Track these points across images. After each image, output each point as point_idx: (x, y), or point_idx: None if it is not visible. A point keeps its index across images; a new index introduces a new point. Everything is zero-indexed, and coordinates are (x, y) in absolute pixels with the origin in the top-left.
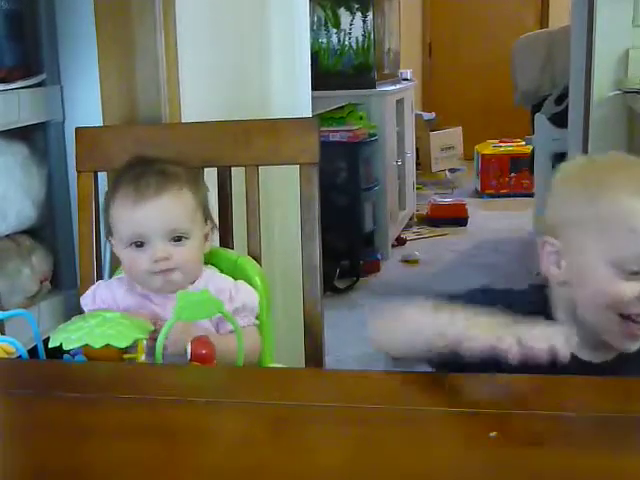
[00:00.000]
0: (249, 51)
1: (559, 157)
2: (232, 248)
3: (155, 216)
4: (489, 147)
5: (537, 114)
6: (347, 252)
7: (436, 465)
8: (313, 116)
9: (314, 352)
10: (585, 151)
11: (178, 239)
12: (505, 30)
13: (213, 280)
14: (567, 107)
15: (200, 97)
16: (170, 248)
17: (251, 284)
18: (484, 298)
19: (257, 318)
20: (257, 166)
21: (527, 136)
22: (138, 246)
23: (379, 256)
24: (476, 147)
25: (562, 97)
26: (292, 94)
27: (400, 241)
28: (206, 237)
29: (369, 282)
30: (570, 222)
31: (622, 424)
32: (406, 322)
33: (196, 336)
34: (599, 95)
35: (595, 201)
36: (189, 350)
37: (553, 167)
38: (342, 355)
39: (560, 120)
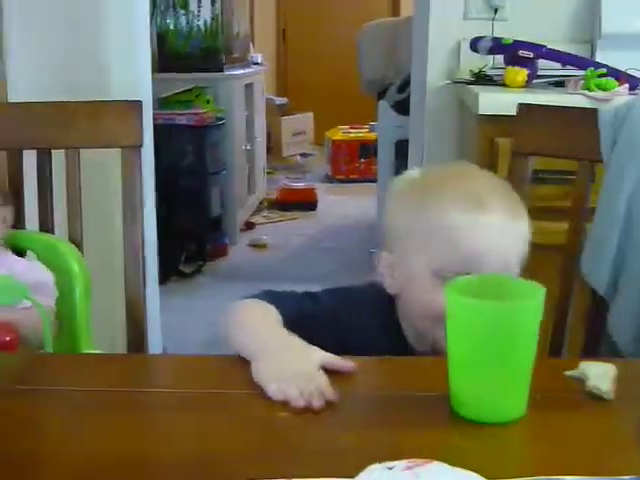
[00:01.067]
0: (84, 31)
1: (402, 144)
2: (53, 233)
3: None
4: (339, 133)
5: (381, 101)
6: (193, 236)
7: (235, 444)
8: (160, 98)
9: (136, 339)
10: (422, 139)
11: None
12: (358, 18)
13: (5, 262)
14: (409, 95)
15: (30, 78)
16: None
17: (69, 269)
18: (335, 296)
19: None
20: (78, 149)
21: (372, 123)
22: None
23: (227, 240)
24: (327, 133)
25: (404, 85)
26: (132, 76)
27: (249, 225)
28: (3, 220)
29: (216, 266)
30: (399, 233)
31: (403, 402)
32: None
33: None
34: (433, 85)
35: (421, 213)
36: None
37: (396, 154)
38: (184, 340)
39: (403, 108)
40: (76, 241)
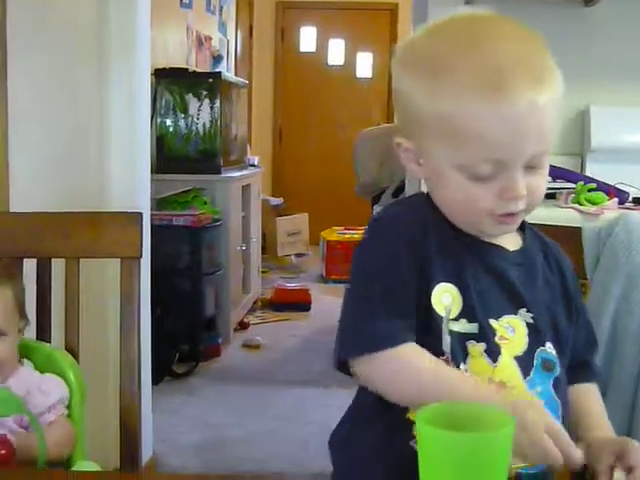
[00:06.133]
0: (86, 137)
1: None
2: (49, 341)
3: None
4: (335, 234)
5: (375, 206)
6: (187, 337)
7: None
8: (158, 199)
9: (129, 448)
10: None
11: None
12: (353, 122)
13: (28, 376)
14: None
15: (33, 185)
16: None
17: (64, 378)
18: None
19: (67, 409)
20: (77, 259)
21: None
22: None
23: (220, 340)
24: (322, 233)
25: (399, 191)
26: (132, 179)
27: (243, 325)
28: (20, 332)
29: (209, 367)
30: (413, 121)
31: None
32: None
33: None
34: None
35: (434, 98)
36: None
37: None
38: (176, 442)
39: None
40: (72, 349)
